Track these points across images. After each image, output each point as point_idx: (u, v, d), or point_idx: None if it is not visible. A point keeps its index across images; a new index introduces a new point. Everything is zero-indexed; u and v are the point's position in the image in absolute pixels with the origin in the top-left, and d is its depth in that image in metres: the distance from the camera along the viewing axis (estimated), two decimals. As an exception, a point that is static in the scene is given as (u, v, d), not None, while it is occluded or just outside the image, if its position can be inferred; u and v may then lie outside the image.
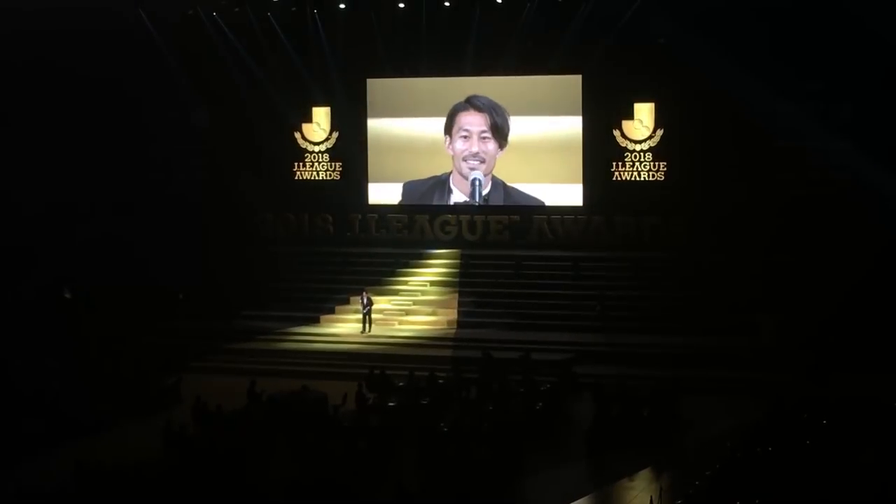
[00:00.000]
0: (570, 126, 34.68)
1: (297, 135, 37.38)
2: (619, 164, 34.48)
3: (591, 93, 34.36)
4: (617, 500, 19.26)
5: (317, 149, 37.37)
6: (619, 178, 34.57)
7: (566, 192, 34.96)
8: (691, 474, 18.40)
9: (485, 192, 34.97)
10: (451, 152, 35.18)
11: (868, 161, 29.26)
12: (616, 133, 34.37)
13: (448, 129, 35.15)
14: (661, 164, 34.17)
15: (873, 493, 16.32)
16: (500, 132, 34.79)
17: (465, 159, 34.90)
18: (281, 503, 17.99)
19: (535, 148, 34.80)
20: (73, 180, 32.93)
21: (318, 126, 37.29)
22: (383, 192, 36.59)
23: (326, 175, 37.42)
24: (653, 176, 34.27)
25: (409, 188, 36.11)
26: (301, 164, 37.50)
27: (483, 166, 34.81)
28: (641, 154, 34.30)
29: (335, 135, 37.15)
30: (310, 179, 37.51)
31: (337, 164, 37.28)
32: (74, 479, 18.40)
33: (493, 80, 35.10)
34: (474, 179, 34.76)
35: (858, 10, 28.82)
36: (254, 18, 35.56)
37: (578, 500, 18.83)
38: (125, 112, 34.44)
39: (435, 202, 35.86)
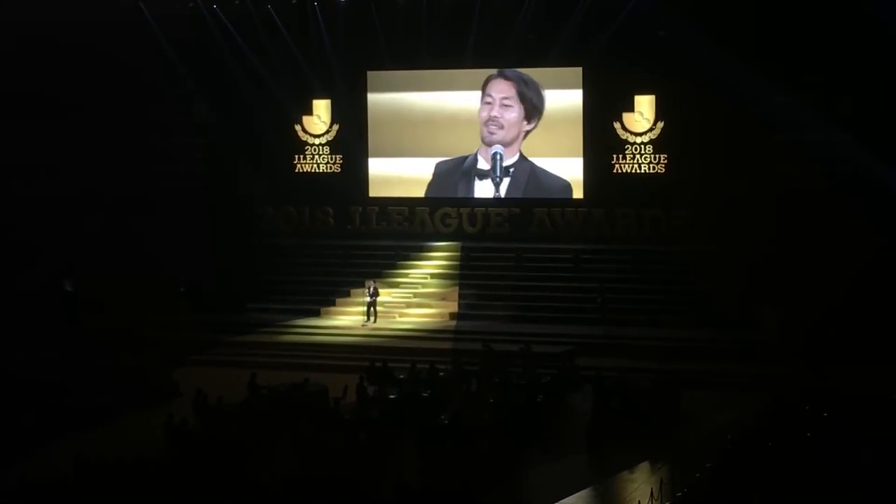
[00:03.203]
0: (570, 117, 34.69)
1: (298, 127, 37.33)
2: (620, 156, 34.46)
3: (592, 85, 34.32)
4: (617, 493, 19.28)
5: (317, 141, 37.33)
6: (619, 171, 34.55)
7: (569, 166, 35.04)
8: (692, 467, 18.41)
9: (507, 163, 35.03)
10: (480, 124, 35.28)
11: (868, 154, 29.26)
12: (616, 125, 34.34)
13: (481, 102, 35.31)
14: (661, 156, 34.15)
15: (873, 487, 16.35)
16: (527, 101, 34.72)
17: (485, 124, 34.93)
18: (281, 496, 17.99)
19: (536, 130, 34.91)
20: (74, 173, 32.96)
21: (319, 118, 37.25)
22: (384, 184, 36.59)
23: (327, 168, 37.40)
24: (653, 168, 34.26)
25: (440, 168, 35.99)
26: (301, 156, 37.47)
27: (501, 132, 34.71)
28: (642, 146, 34.28)
29: (335, 127, 37.12)
30: (310, 172, 37.47)
31: (337, 156, 37.25)
32: (75, 473, 18.40)
33: (493, 72, 35.03)
34: (495, 153, 34.82)
35: (858, 2, 28.81)
36: (254, 11, 35.49)
37: (579, 493, 18.87)
38: (126, 105, 34.41)
39: (463, 171, 35.66)
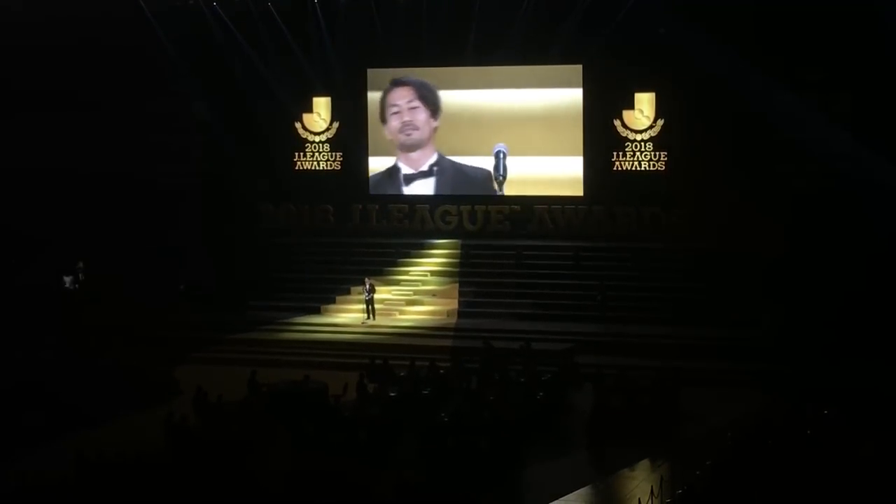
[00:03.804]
0: (571, 115, 34.68)
1: (298, 125, 37.34)
2: (620, 154, 34.46)
3: (592, 83, 34.31)
4: (617, 491, 19.29)
5: (317, 139, 37.34)
6: (619, 168, 34.55)
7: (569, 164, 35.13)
8: (692, 465, 18.43)
9: (432, 160, 36.02)
10: (390, 135, 36.09)
11: (868, 151, 29.25)
12: (616, 123, 34.34)
13: (382, 117, 36.06)
14: (661, 154, 34.15)
15: (873, 485, 16.36)
16: (429, 101, 35.73)
17: (400, 131, 35.95)
18: (281, 494, 18.00)
19: (537, 128, 35.02)
20: (74, 171, 32.95)
21: (319, 116, 37.26)
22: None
23: (327, 165, 37.41)
24: (653, 166, 34.26)
25: (373, 180, 36.84)
26: (302, 154, 37.47)
27: (417, 133, 35.82)
28: (642, 144, 34.27)
29: (336, 125, 37.12)
30: (310, 170, 37.48)
31: (337, 154, 37.26)
32: (75, 471, 18.41)
33: (494, 69, 35.08)
34: (498, 152, 35.12)
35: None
36: (254, 9, 35.46)
37: (579, 490, 18.88)
38: (125, 102, 34.38)
39: (391, 180, 36.52)
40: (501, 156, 34.99)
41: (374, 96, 36.31)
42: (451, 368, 25.69)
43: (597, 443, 21.31)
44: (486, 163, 35.32)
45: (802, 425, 19.72)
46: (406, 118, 35.71)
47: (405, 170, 36.19)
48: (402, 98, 35.76)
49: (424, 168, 36.02)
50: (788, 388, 23.70)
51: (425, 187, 36.21)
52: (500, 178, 35.13)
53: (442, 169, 35.92)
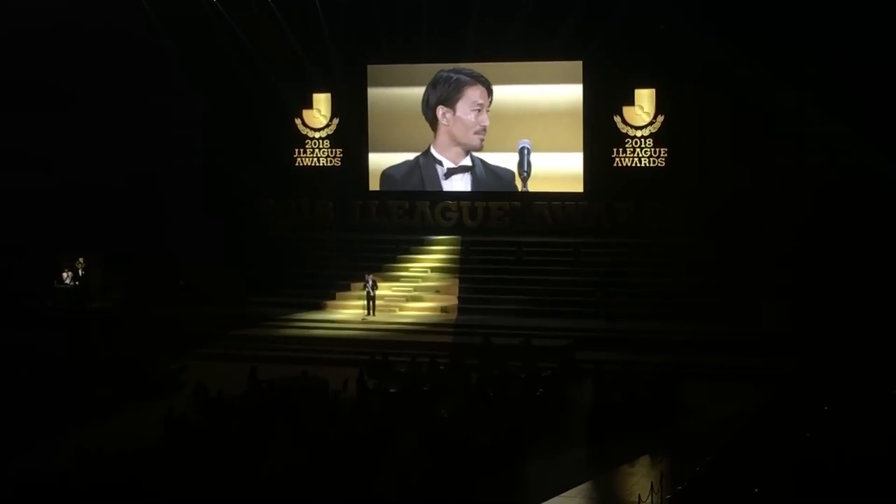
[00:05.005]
0: (571, 111, 34.65)
1: (298, 121, 37.31)
2: (620, 150, 34.42)
3: (592, 79, 34.29)
4: (617, 486, 19.27)
5: (317, 135, 37.31)
6: (619, 164, 34.51)
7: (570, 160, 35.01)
8: (692, 460, 18.44)
9: (467, 161, 35.42)
10: (447, 122, 35.24)
11: (870, 146, 29.24)
12: (616, 119, 34.31)
13: (450, 102, 35.23)
14: (661, 150, 34.08)
15: (872, 480, 16.36)
16: None
17: (476, 132, 35.07)
18: (281, 489, 18.00)
19: (537, 124, 34.95)
20: (72, 167, 32.94)
21: (319, 112, 37.22)
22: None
23: (327, 161, 37.38)
24: (653, 162, 34.20)
25: (393, 173, 36.33)
26: (302, 150, 37.44)
27: (484, 138, 35.02)
28: (642, 140, 34.21)
29: (336, 121, 37.10)
30: (311, 165, 37.46)
31: (338, 150, 37.23)
32: (75, 465, 18.40)
33: (494, 65, 35.02)
34: (522, 148, 34.89)
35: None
36: (254, 3, 35.41)
37: (579, 486, 18.86)
38: (125, 97, 34.39)
39: (425, 172, 35.92)
40: (526, 152, 34.84)
41: (374, 92, 36.26)
42: (451, 364, 25.67)
43: (597, 438, 21.30)
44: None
45: (802, 421, 19.73)
46: (484, 122, 34.91)
47: (447, 163, 35.61)
48: (483, 98, 34.92)
49: (467, 162, 35.47)
50: (788, 383, 23.68)
51: (463, 182, 35.72)
52: (525, 174, 34.96)
53: (476, 165, 35.49)
